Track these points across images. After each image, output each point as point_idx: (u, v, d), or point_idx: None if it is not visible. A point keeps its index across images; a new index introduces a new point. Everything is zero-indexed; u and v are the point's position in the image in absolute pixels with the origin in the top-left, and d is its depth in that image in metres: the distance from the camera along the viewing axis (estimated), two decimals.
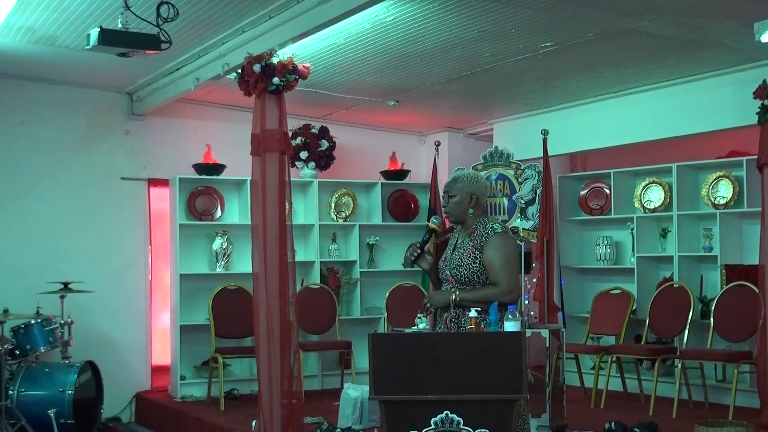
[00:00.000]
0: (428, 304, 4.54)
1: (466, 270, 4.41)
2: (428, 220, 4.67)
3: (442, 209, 4.65)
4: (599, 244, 8.85)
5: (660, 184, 8.36)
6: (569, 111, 8.53)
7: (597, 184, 8.93)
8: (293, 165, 8.53)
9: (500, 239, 4.42)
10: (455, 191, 4.53)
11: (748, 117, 6.66)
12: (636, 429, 6.19)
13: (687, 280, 7.86)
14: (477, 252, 4.41)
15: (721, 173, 7.92)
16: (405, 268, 4.70)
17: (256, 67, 5.90)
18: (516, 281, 4.41)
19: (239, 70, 6.13)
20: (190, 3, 5.73)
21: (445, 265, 4.53)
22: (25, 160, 8.04)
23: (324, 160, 8.84)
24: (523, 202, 7.01)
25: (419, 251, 4.57)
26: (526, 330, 6.08)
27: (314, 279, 8.70)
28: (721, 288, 7.55)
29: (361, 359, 7.74)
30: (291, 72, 6.00)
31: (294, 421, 5.96)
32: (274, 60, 5.97)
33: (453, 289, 4.44)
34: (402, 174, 9.29)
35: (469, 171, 4.76)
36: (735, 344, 7.33)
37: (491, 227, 4.46)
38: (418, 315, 4.73)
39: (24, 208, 8.01)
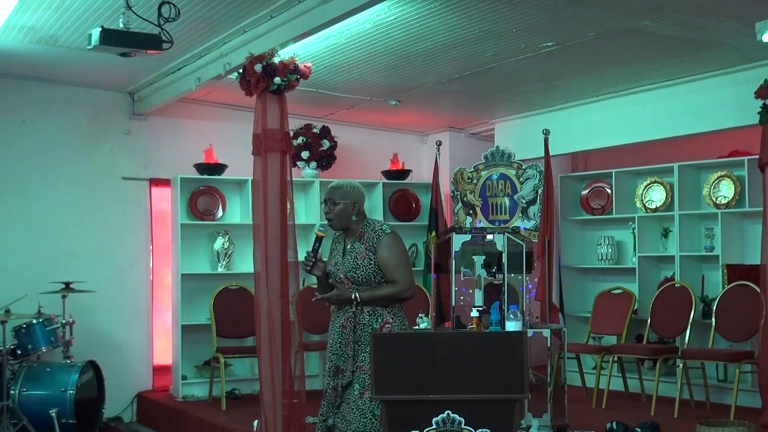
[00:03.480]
0: (327, 303, 4.75)
1: (362, 271, 4.58)
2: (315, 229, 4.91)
3: (325, 215, 4.74)
4: (600, 244, 8.84)
5: (661, 184, 8.36)
6: (570, 111, 8.53)
7: (598, 184, 8.92)
8: (295, 165, 8.53)
9: (392, 240, 4.61)
10: (338, 199, 4.66)
11: (749, 117, 6.65)
12: (637, 429, 6.19)
13: (688, 280, 7.86)
14: (370, 254, 4.59)
15: (723, 173, 7.91)
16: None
17: (258, 67, 5.90)
18: (411, 278, 4.64)
19: (240, 70, 6.13)
20: (191, 3, 5.74)
21: (337, 269, 4.67)
22: (27, 159, 8.05)
23: (325, 160, 8.84)
24: (524, 201, 7.00)
25: (314, 260, 4.69)
26: (528, 330, 6.10)
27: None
28: (723, 288, 7.55)
29: None
30: (292, 72, 6.00)
31: (295, 420, 5.96)
32: (276, 60, 5.97)
33: (352, 289, 4.59)
34: (403, 174, 9.29)
35: (347, 180, 4.85)
36: (736, 344, 7.32)
37: (381, 229, 4.64)
38: (420, 315, 4.74)
39: (25, 207, 8.02)
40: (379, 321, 4.57)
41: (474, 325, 4.71)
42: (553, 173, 7.24)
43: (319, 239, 4.73)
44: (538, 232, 6.92)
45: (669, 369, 7.81)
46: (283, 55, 6.03)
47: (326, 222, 4.75)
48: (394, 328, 4.57)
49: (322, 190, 8.75)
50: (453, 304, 6.61)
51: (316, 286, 8.36)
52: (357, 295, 4.56)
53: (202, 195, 8.49)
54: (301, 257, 5.55)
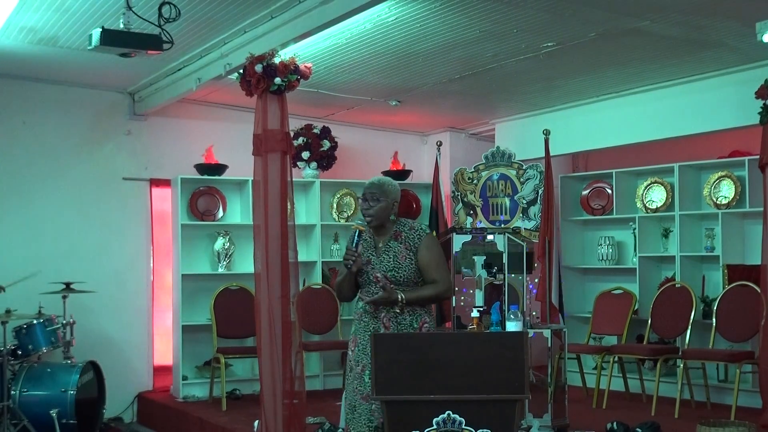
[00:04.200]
0: (372, 305, 4.49)
1: (404, 271, 4.48)
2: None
3: (363, 211, 4.60)
4: (601, 244, 8.84)
5: (662, 184, 8.36)
6: (571, 111, 8.53)
7: (599, 184, 8.92)
8: (295, 165, 8.54)
9: (432, 240, 4.59)
10: (381, 196, 4.56)
11: (750, 117, 6.65)
12: (638, 429, 6.19)
13: (689, 280, 7.86)
14: (411, 253, 4.50)
15: (723, 173, 7.91)
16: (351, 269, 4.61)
17: (258, 68, 5.90)
18: (450, 278, 4.67)
19: (241, 71, 6.13)
20: (191, 3, 5.74)
21: (372, 269, 4.51)
22: (27, 160, 8.05)
23: (326, 161, 8.84)
24: (524, 202, 7.00)
25: (356, 255, 4.50)
26: (529, 330, 6.10)
27: (316, 279, 8.70)
28: (723, 288, 7.54)
29: None
30: (293, 72, 6.00)
31: (296, 421, 5.96)
32: (276, 60, 5.97)
33: (396, 290, 4.44)
34: (404, 174, 9.28)
35: (387, 178, 4.76)
36: (737, 344, 7.32)
37: (421, 228, 4.60)
38: None
39: (26, 208, 8.02)
40: (419, 321, 4.49)
41: (474, 326, 4.71)
42: (553, 173, 7.24)
43: (360, 234, 4.54)
44: (538, 233, 6.92)
45: (669, 369, 7.81)
46: (283, 55, 6.03)
47: (363, 217, 4.58)
48: (431, 328, 4.54)
49: (323, 191, 8.80)
50: (453, 305, 6.62)
51: (316, 287, 8.47)
52: (402, 296, 4.42)
53: (203, 195, 8.50)
54: (302, 257, 5.56)
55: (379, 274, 4.49)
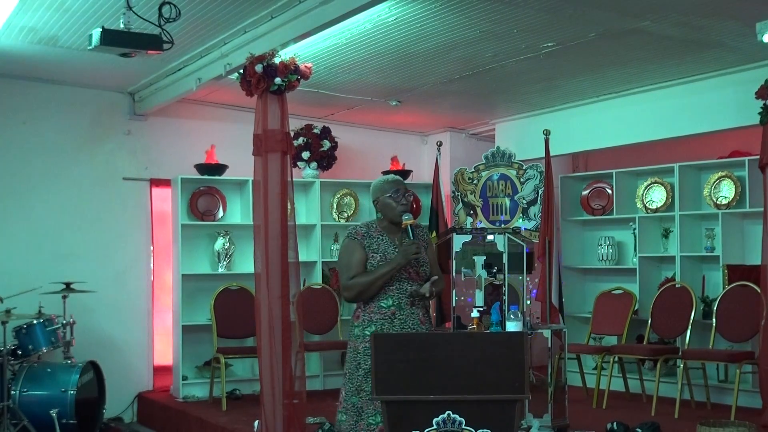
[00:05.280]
0: (414, 298, 4.57)
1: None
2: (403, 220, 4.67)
3: (403, 204, 4.66)
4: (601, 244, 8.84)
5: (662, 184, 8.36)
6: (571, 111, 8.53)
7: (599, 184, 8.92)
8: (295, 165, 8.54)
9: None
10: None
11: (750, 117, 6.65)
12: (638, 429, 6.19)
13: (689, 280, 7.86)
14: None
15: (723, 173, 7.91)
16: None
17: (258, 68, 5.90)
18: None
19: (241, 71, 6.14)
20: (192, 3, 5.74)
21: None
22: (28, 160, 8.05)
23: (326, 161, 8.85)
24: (525, 202, 7.00)
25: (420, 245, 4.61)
26: (528, 330, 6.10)
27: (316, 279, 8.70)
28: (723, 288, 7.54)
29: None
30: (293, 72, 6.00)
31: (296, 421, 5.96)
32: (276, 60, 5.97)
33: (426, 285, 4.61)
34: (404, 174, 9.26)
35: None
36: (737, 344, 7.32)
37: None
38: None
39: (26, 208, 8.02)
40: (429, 315, 4.71)
41: (474, 326, 4.72)
42: (553, 173, 7.22)
43: (412, 227, 4.62)
44: (538, 233, 6.91)
45: (669, 369, 7.81)
46: (283, 55, 6.03)
47: (406, 210, 4.65)
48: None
49: (323, 191, 8.80)
50: (453, 305, 6.62)
51: (316, 287, 8.46)
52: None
53: (203, 195, 8.50)
54: (302, 257, 5.54)
55: (411, 270, 4.59)
